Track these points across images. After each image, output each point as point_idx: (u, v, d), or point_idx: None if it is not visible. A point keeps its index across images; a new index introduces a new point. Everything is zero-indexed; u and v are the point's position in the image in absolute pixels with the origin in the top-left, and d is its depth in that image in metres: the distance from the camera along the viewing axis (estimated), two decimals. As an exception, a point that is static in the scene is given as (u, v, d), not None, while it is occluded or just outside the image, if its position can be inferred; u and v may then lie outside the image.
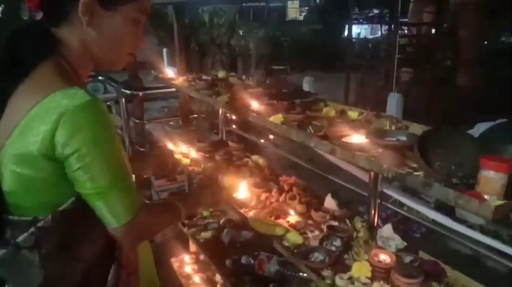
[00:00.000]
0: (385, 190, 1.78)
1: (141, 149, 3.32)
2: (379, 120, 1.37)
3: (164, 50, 10.22)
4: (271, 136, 5.06)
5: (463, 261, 2.31)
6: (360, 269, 1.35)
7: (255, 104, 1.66)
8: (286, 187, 1.98)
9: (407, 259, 1.39)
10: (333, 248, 1.49)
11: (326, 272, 1.39)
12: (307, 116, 1.51)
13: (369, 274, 1.34)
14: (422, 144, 1.01)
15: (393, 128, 1.27)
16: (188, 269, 2.92)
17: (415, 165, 1.05)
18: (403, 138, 1.09)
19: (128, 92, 3.05)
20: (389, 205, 1.76)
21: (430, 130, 1.06)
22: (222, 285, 2.55)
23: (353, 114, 1.54)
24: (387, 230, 1.47)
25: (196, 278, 2.80)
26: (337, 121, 1.44)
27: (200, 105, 3.81)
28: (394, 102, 7.19)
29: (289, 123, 1.47)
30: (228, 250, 2.33)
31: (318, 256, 1.45)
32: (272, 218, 1.74)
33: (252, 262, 2.14)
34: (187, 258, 3.03)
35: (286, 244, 1.58)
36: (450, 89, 8.40)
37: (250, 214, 1.76)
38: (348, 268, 1.40)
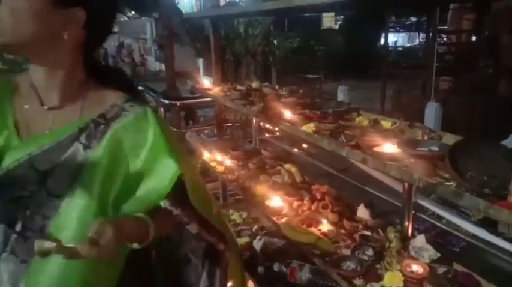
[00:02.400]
0: (420, 201, 1.76)
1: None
2: (412, 130, 1.37)
3: (200, 61, 10.47)
4: (304, 145, 5.08)
5: (504, 277, 2.23)
6: (392, 279, 1.35)
7: (287, 114, 1.70)
8: (318, 196, 2.00)
9: (441, 270, 1.38)
10: (365, 258, 1.49)
11: (358, 281, 1.39)
12: (339, 126, 1.53)
13: (401, 284, 1.34)
14: (454, 154, 1.01)
15: (426, 138, 1.27)
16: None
17: (447, 175, 1.05)
18: (435, 148, 1.10)
19: (166, 101, 3.18)
20: (425, 217, 1.73)
21: (462, 140, 1.06)
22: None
23: (386, 124, 1.55)
24: (420, 240, 1.46)
25: (229, 284, 2.84)
26: (370, 131, 1.46)
27: (235, 114, 3.90)
28: (432, 111, 7.02)
29: (321, 132, 1.50)
30: (260, 257, 2.36)
31: (349, 265, 1.46)
32: (304, 226, 1.76)
33: (284, 269, 2.16)
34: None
35: (318, 252, 1.59)
36: (491, 98, 8.09)
37: (282, 221, 1.79)
38: (379, 278, 1.40)
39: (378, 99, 9.99)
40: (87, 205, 0.85)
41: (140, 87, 3.82)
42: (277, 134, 4.65)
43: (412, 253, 1.46)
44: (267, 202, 1.98)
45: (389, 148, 1.22)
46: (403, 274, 1.36)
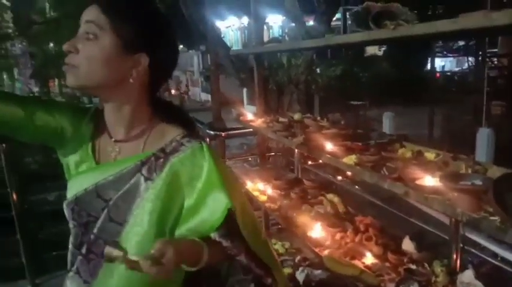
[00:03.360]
0: (468, 235, 1.70)
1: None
2: (456, 163, 1.35)
3: (244, 91, 10.71)
4: (348, 173, 5.02)
5: None
6: (439, 317, 1.31)
7: (328, 145, 1.73)
8: (362, 227, 1.98)
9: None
10: (410, 293, 1.46)
11: (403, 318, 1.36)
12: (381, 158, 1.54)
13: (449, 323, 1.29)
14: (498, 188, 0.99)
15: (469, 171, 1.25)
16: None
17: (491, 209, 1.03)
18: (479, 182, 1.08)
19: (212, 132, 3.30)
20: (473, 251, 1.66)
21: (507, 174, 1.04)
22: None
23: (429, 155, 1.54)
24: (468, 276, 1.41)
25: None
26: (412, 163, 1.45)
27: (277, 142, 3.95)
28: (484, 137, 6.71)
29: (363, 164, 1.51)
30: (304, 288, 2.34)
31: (394, 300, 1.43)
32: (347, 259, 1.75)
33: (328, 302, 2.13)
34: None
35: (362, 286, 1.57)
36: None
37: (325, 253, 1.79)
38: (426, 315, 1.36)
39: (425, 124, 9.70)
40: (147, 232, 0.93)
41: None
42: (320, 161, 4.65)
43: (461, 289, 1.41)
44: (309, 233, 1.99)
45: (431, 180, 1.21)
46: (451, 312, 1.31)
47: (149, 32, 0.93)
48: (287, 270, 2.55)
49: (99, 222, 0.95)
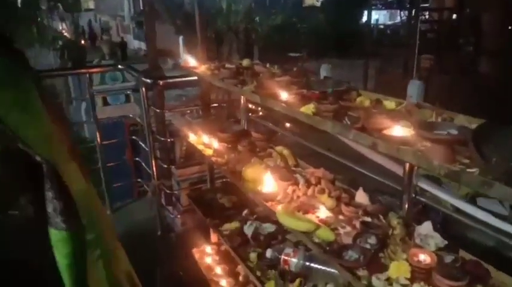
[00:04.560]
0: (421, 184, 1.69)
1: (162, 139, 3.28)
2: (421, 111, 1.27)
3: (180, 38, 10.14)
4: (287, 124, 4.97)
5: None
6: (398, 270, 1.28)
7: (283, 94, 1.58)
8: (313, 180, 1.91)
9: (448, 258, 1.31)
10: (368, 246, 1.41)
11: (361, 272, 1.32)
12: (341, 107, 1.43)
13: (408, 275, 1.27)
14: (477, 138, 0.92)
15: (439, 119, 1.18)
16: (209, 260, 2.89)
17: (465, 161, 0.97)
18: (454, 131, 1.00)
19: (148, 81, 3.00)
20: (426, 201, 1.66)
21: (486, 124, 0.97)
22: (245, 277, 2.51)
23: (389, 104, 1.45)
24: (426, 227, 1.39)
25: (218, 270, 2.77)
26: (374, 112, 1.36)
27: (217, 94, 3.74)
28: (414, 89, 6.97)
29: (322, 114, 1.39)
30: (252, 242, 2.28)
31: (351, 255, 1.38)
32: (301, 213, 1.67)
33: (278, 256, 2.08)
34: (208, 249, 3.00)
35: (317, 240, 1.51)
36: (472, 77, 8.11)
37: (278, 208, 1.70)
38: (384, 268, 1.32)
39: (360, 76, 9.96)
40: None
41: (120, 66, 3.62)
42: (260, 113, 4.52)
43: (418, 241, 1.39)
44: (260, 188, 1.88)
45: (400, 130, 1.12)
46: (410, 264, 1.29)
47: None
48: (235, 224, 2.47)
49: None
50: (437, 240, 1.37)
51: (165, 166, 3.30)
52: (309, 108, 1.43)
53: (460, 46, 9.71)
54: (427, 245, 1.37)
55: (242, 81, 1.86)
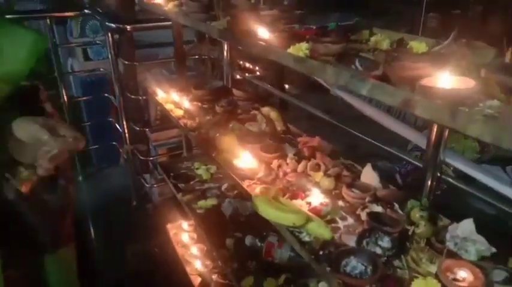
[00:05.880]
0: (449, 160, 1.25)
1: (133, 97, 2.80)
2: (477, 53, 0.80)
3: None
4: (286, 86, 4.44)
5: None
6: (425, 292, 0.85)
7: (264, 31, 1.10)
8: (306, 152, 1.46)
9: (498, 275, 0.88)
10: (379, 251, 0.99)
11: (369, 293, 0.89)
12: (347, 47, 0.95)
13: (440, 302, 0.84)
14: None
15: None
16: (186, 237, 2.51)
17: None
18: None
19: (113, 25, 2.48)
20: (455, 183, 1.23)
21: None
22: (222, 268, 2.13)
23: (418, 46, 0.97)
24: (466, 227, 0.96)
25: (194, 250, 2.39)
26: (397, 55, 0.88)
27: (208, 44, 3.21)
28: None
29: (320, 57, 0.92)
30: (230, 225, 1.86)
31: (355, 265, 0.95)
32: (286, 197, 1.23)
33: (259, 244, 1.67)
34: (185, 225, 2.61)
35: (307, 239, 1.08)
36: (480, 38, 7.52)
37: (257, 190, 1.26)
38: (402, 286, 0.90)
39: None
40: None
41: (86, 11, 3.07)
42: (258, 73, 3.98)
43: (451, 246, 0.96)
44: (235, 161, 1.43)
45: (451, 79, 0.66)
46: (442, 284, 0.86)
47: None
48: (211, 201, 2.04)
49: None
50: (481, 246, 0.94)
51: (138, 129, 2.84)
52: (300, 49, 0.95)
53: (468, 4, 9.03)
54: (464, 253, 0.94)
55: (214, 17, 1.37)
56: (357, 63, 0.80)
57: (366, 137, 1.59)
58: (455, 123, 0.55)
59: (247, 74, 2.92)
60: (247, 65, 4.09)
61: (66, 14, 2.94)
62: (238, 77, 2.46)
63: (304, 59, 0.89)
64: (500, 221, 1.31)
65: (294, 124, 1.77)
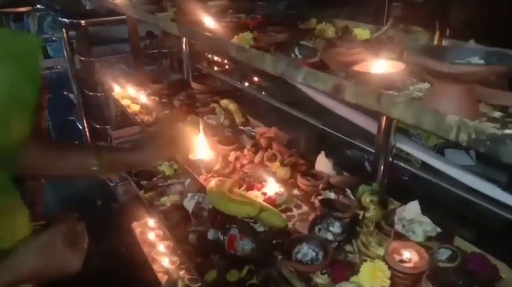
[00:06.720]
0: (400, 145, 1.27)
1: (91, 94, 2.72)
2: (414, 36, 0.82)
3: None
4: (255, 78, 4.37)
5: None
6: (373, 275, 0.87)
7: (210, 20, 1.08)
8: (263, 143, 1.46)
9: (443, 254, 0.91)
10: (330, 237, 1.00)
11: (320, 279, 0.90)
12: (291, 36, 0.95)
13: (387, 283, 0.86)
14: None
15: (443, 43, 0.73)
16: (152, 235, 2.48)
17: (496, 114, 0.54)
18: (478, 60, 0.55)
19: (66, 21, 2.39)
20: (406, 166, 1.25)
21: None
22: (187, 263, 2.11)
23: (362, 32, 0.99)
24: (412, 209, 0.98)
25: (161, 247, 2.36)
26: (338, 42, 0.89)
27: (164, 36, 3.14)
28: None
29: (264, 46, 0.91)
30: (193, 220, 1.84)
31: (307, 251, 0.96)
32: (243, 189, 1.23)
33: (222, 237, 1.66)
34: (151, 222, 2.57)
35: (261, 228, 1.09)
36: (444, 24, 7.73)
37: (212, 183, 1.25)
38: (352, 270, 0.92)
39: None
40: None
41: (39, 6, 2.96)
42: (227, 67, 3.91)
43: (399, 228, 0.98)
44: (193, 155, 1.42)
45: (383, 64, 0.66)
46: (389, 265, 0.88)
47: None
48: (174, 197, 2.02)
49: None
50: (427, 227, 0.96)
51: (98, 127, 2.77)
52: (244, 39, 0.95)
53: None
54: (412, 234, 0.97)
55: (162, 8, 1.34)
56: (296, 51, 0.80)
57: (323, 126, 1.59)
58: (380, 106, 0.56)
59: (216, 68, 2.89)
60: (216, 58, 4.03)
61: (19, 9, 2.82)
62: (204, 71, 2.41)
63: (245, 49, 0.88)
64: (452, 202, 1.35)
65: (264, 118, 1.75)
